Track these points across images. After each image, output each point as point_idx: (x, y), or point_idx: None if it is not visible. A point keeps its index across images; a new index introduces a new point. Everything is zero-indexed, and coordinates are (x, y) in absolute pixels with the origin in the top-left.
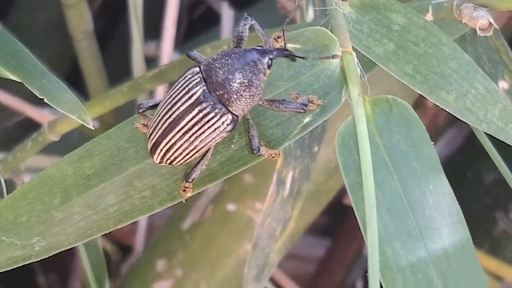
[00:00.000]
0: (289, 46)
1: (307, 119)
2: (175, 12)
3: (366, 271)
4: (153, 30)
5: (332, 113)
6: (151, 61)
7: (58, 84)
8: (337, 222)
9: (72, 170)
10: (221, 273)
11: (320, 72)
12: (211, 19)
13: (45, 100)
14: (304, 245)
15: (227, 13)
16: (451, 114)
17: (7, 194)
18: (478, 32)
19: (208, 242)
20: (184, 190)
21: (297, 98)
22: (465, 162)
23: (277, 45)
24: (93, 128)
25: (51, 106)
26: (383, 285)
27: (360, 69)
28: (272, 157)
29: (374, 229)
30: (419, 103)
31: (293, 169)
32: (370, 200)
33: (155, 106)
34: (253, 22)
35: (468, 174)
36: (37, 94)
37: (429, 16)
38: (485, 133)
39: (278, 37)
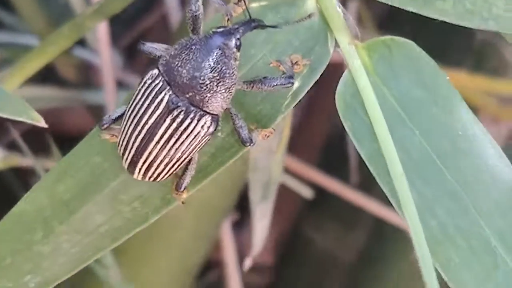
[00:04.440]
0: (253, 6)
1: (296, 84)
2: None
3: None
4: None
5: (323, 70)
6: None
7: None
8: None
9: (47, 199)
10: None
11: (298, 26)
12: None
13: None
14: None
15: None
16: None
17: None
18: None
19: None
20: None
21: (279, 66)
22: None
23: (239, 10)
24: (46, 126)
25: None
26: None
27: (342, 10)
28: (267, 137)
29: (410, 204)
30: None
31: None
32: (397, 170)
33: (120, 117)
34: None
35: None
36: None
37: None
38: None
39: (238, 1)
